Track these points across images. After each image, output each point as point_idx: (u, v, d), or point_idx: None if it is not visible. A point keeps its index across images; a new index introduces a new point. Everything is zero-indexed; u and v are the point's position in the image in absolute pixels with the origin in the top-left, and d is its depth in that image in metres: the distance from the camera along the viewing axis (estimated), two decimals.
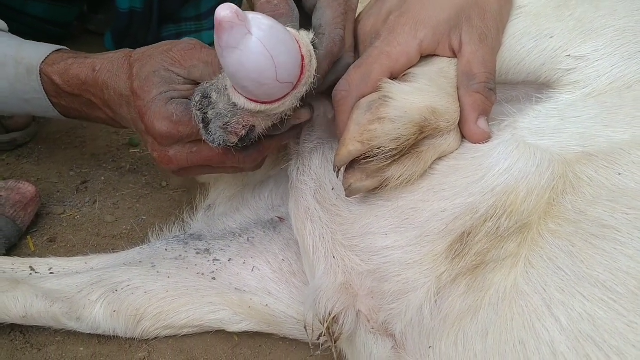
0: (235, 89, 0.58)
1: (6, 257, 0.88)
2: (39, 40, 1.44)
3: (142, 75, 0.69)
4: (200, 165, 0.70)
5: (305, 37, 0.60)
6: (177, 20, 1.33)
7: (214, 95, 0.62)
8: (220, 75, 0.63)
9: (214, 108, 0.62)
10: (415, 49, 0.63)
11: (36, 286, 0.81)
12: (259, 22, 0.52)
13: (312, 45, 0.60)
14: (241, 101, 0.58)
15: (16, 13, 1.33)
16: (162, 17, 1.32)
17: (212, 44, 1.46)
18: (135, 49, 1.37)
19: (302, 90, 0.60)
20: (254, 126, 0.62)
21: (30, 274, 0.86)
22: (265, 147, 0.69)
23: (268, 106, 0.59)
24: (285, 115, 0.61)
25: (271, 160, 0.95)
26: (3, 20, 1.31)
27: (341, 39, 0.64)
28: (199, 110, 0.63)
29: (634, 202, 0.52)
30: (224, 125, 0.62)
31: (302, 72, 0.58)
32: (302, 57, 0.57)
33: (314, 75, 0.60)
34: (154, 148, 0.70)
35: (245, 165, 0.71)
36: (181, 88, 0.69)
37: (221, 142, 0.63)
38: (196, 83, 0.68)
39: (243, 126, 0.63)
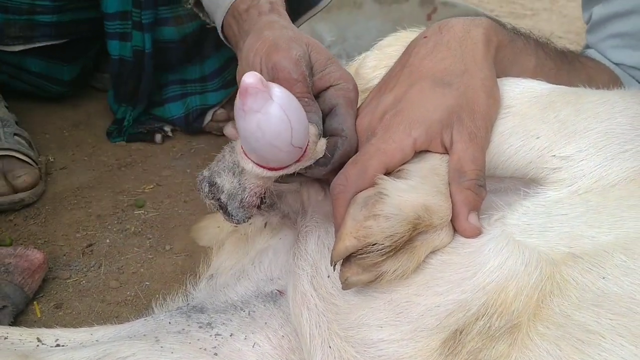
0: (245, 154, 0.62)
1: (14, 328, 0.90)
2: (36, 100, 1.48)
3: None
4: None
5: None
6: (183, 82, 1.37)
7: (219, 180, 0.67)
8: (218, 159, 0.67)
9: (223, 191, 0.67)
10: (410, 147, 0.66)
11: None
12: (278, 91, 0.58)
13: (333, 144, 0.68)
14: (249, 165, 0.63)
15: (16, 69, 1.38)
16: (164, 69, 1.36)
17: (214, 106, 1.49)
18: (131, 97, 1.45)
19: (306, 163, 0.64)
20: (266, 189, 0.66)
21: (38, 345, 0.88)
22: None
23: (273, 173, 0.63)
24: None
25: (270, 229, 0.98)
26: (4, 76, 1.36)
27: (357, 145, 0.70)
28: (211, 199, 0.67)
29: (617, 308, 0.54)
30: (240, 203, 0.66)
31: (306, 151, 0.62)
32: (309, 133, 0.63)
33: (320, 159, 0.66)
34: None
35: None
36: None
37: (245, 219, 0.68)
38: None
39: (258, 195, 0.67)
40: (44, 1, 1.24)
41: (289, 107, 0.57)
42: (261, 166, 0.62)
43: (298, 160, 0.63)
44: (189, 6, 1.03)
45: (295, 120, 0.58)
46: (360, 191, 0.65)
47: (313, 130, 0.63)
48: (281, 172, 0.63)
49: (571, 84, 0.78)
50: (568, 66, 0.85)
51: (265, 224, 0.97)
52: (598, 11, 1.01)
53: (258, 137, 0.57)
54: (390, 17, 1.79)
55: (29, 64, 1.35)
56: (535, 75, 0.77)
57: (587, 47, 1.04)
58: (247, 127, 0.57)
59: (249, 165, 0.62)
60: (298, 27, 1.23)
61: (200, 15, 1.03)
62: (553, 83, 0.76)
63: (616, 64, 0.96)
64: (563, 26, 2.31)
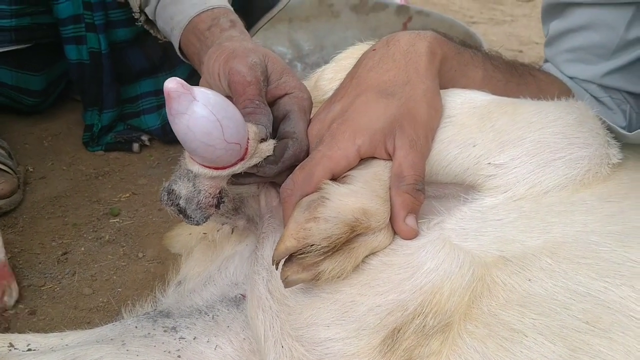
0: (192, 158, 0.66)
1: None
2: (18, 112, 1.49)
3: None
4: None
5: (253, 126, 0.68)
6: (157, 93, 1.41)
7: (176, 187, 0.70)
8: (175, 170, 0.71)
9: (180, 197, 0.70)
10: (354, 154, 0.70)
11: None
12: (203, 91, 0.61)
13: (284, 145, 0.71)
14: (195, 167, 0.67)
15: None
16: (132, 76, 1.38)
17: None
18: (95, 100, 1.43)
19: (252, 161, 0.68)
20: (221, 190, 0.70)
21: (10, 350, 0.91)
22: None
23: (220, 172, 0.67)
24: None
25: (237, 235, 1.01)
26: None
27: (307, 149, 0.74)
28: (170, 206, 0.71)
29: (540, 308, 0.57)
30: (197, 205, 0.70)
31: (247, 148, 0.66)
32: (248, 132, 0.66)
33: (269, 157, 0.69)
34: None
35: None
36: None
37: (204, 219, 0.72)
38: None
39: (213, 196, 0.71)
40: (1, 5, 1.26)
41: (215, 105, 0.60)
42: (207, 167, 0.65)
43: (242, 159, 0.66)
44: (140, 24, 1.07)
45: (223, 117, 0.60)
46: (306, 195, 0.68)
47: (253, 128, 0.66)
48: (228, 171, 0.67)
49: (520, 95, 0.82)
50: (518, 79, 0.89)
51: (233, 230, 1.01)
52: (554, 26, 1.05)
53: (191, 138, 0.60)
54: (367, 26, 1.83)
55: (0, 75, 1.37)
56: (483, 86, 0.81)
57: (546, 60, 1.08)
58: (179, 130, 0.60)
59: (195, 167, 0.65)
60: (255, 33, 1.27)
61: (152, 32, 1.07)
62: (501, 95, 0.80)
63: (570, 77, 0.99)
64: (541, 32, 2.35)
